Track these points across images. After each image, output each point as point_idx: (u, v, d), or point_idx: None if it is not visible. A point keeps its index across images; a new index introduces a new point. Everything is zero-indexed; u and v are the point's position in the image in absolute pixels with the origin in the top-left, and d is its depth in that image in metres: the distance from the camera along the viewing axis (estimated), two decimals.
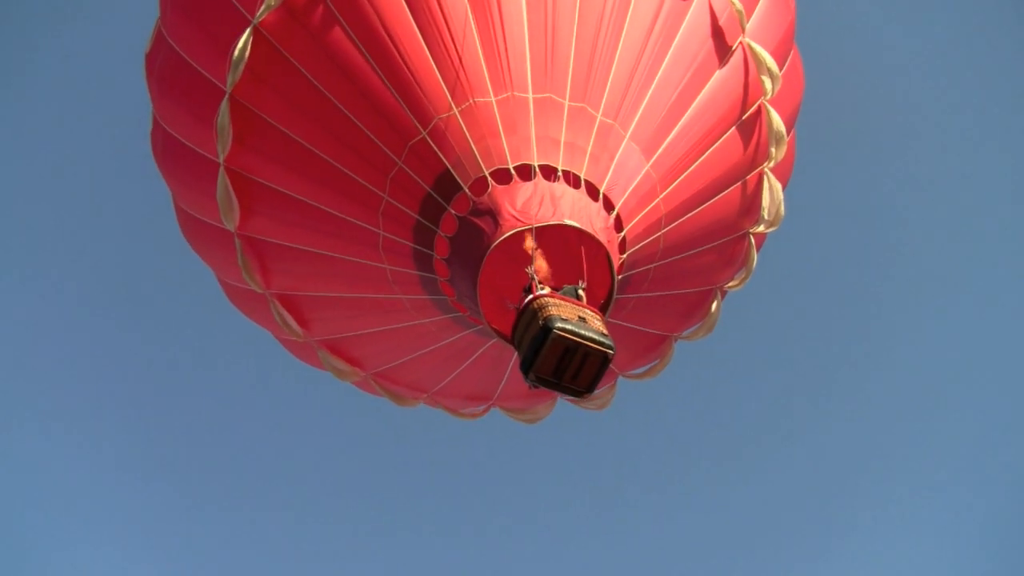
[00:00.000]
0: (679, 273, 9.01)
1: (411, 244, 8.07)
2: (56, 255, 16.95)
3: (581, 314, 7.13)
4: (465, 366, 9.34)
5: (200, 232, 9.31)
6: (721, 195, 8.82)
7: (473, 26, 7.83)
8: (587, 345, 6.93)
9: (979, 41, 15.53)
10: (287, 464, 17.00)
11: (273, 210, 8.53)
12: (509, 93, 7.84)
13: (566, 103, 7.89)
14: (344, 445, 17.12)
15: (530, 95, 7.85)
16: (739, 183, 8.92)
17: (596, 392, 9.31)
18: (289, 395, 16.71)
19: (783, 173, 9.37)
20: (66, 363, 16.68)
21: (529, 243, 7.55)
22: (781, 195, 9.17)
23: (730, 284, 9.60)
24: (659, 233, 8.41)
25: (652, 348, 9.72)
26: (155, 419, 16.82)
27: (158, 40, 8.93)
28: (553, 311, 7.00)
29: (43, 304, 16.70)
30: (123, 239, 17.27)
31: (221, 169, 8.35)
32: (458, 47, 7.82)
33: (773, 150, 8.88)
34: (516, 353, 7.51)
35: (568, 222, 7.50)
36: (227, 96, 8.09)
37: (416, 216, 7.95)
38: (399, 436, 16.62)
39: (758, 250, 9.42)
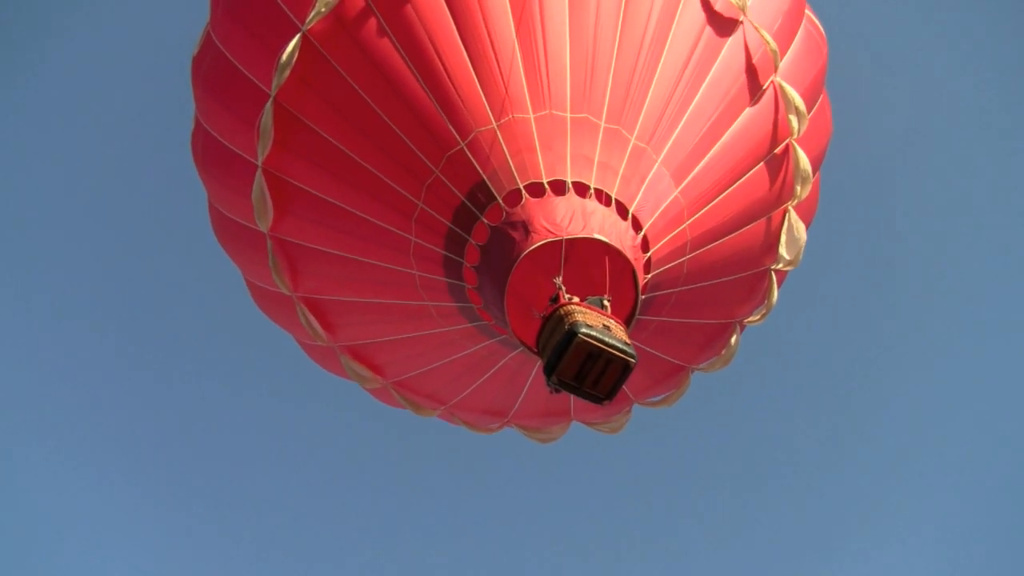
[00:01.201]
0: (700, 302, 9.15)
1: (442, 251, 8.26)
2: (67, 252, 17.14)
3: (606, 323, 7.32)
4: (485, 378, 9.46)
5: (232, 232, 9.52)
6: (745, 228, 9.00)
7: (516, 44, 8.10)
8: (610, 352, 7.11)
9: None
10: (294, 473, 17.13)
11: (307, 213, 8.74)
12: (548, 111, 8.07)
13: (602, 124, 8.12)
14: (351, 455, 17.26)
15: (568, 114, 8.08)
16: (764, 219, 9.11)
17: (612, 419, 9.43)
18: (298, 402, 16.92)
19: (807, 213, 9.56)
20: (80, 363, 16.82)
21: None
22: (803, 234, 9.35)
23: (750, 319, 9.73)
24: (683, 259, 8.58)
25: (669, 376, 9.83)
26: (180, 434, 16.99)
27: (206, 43, 9.22)
28: (579, 317, 7.20)
29: (46, 303, 16.91)
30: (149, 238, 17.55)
31: (259, 170, 8.58)
32: (501, 64, 8.08)
33: (798, 188, 9.08)
34: (539, 360, 7.63)
35: (598, 236, 7.71)
36: (271, 99, 8.34)
37: (449, 224, 8.14)
38: (406, 448, 16.82)
39: (779, 286, 9.57)
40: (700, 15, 8.47)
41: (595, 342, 7.07)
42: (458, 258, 8.19)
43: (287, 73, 8.21)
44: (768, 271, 9.43)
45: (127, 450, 16.58)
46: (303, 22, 8.23)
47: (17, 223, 16.50)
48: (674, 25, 8.37)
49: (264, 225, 8.78)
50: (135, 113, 17.34)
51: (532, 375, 9.35)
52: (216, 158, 9.20)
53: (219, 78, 8.96)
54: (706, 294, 9.11)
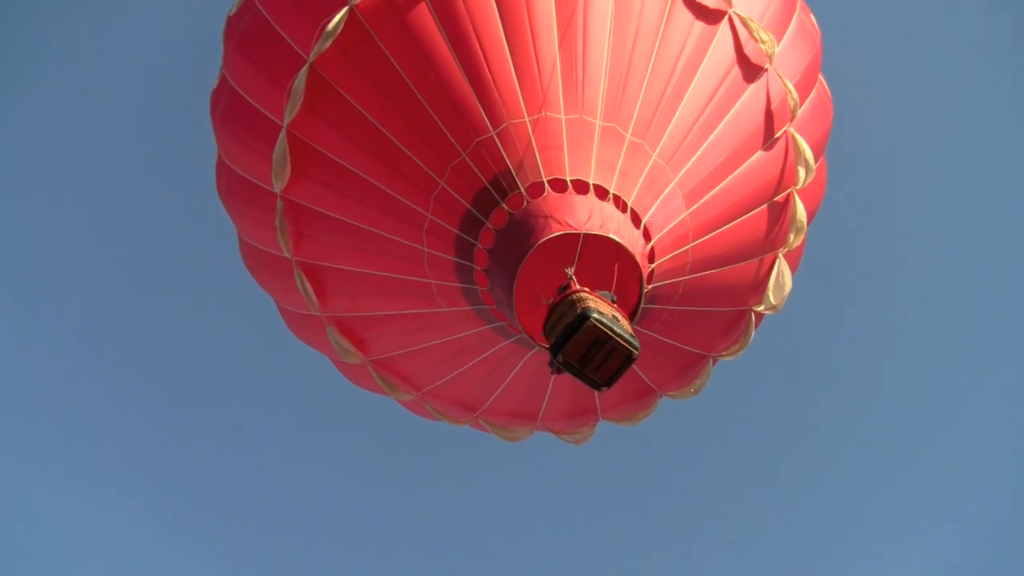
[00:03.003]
0: (687, 326, 9.49)
1: (456, 231, 8.49)
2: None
3: (615, 314, 7.61)
4: (509, 380, 9.69)
5: (240, 191, 9.66)
6: (739, 264, 9.42)
7: (557, 48, 8.46)
8: (616, 340, 7.43)
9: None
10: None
11: (324, 178, 8.93)
12: (579, 115, 8.41)
13: (628, 136, 8.48)
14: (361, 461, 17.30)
15: (598, 121, 8.43)
16: (756, 260, 9.54)
17: (623, 413, 9.97)
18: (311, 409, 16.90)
19: (793, 260, 10.02)
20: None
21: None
22: (789, 283, 9.77)
23: (724, 355, 10.06)
24: (681, 278, 8.93)
25: (640, 396, 10.11)
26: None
27: (245, 5, 9.37)
28: (591, 304, 7.53)
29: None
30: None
31: (284, 131, 8.79)
32: (541, 64, 8.44)
33: (791, 237, 9.55)
34: (537, 346, 7.87)
35: (614, 237, 8.04)
36: (308, 65, 8.61)
37: (468, 206, 8.40)
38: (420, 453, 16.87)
39: (757, 326, 9.96)
40: (731, 54, 8.94)
41: (605, 328, 7.39)
42: (471, 239, 8.42)
43: (329, 43, 8.47)
44: (749, 311, 9.83)
45: (127, 454, 16.60)
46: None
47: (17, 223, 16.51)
48: (706, 58, 8.82)
49: (279, 185, 8.93)
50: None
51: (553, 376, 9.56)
52: (239, 114, 9.35)
53: (256, 38, 9.15)
54: (694, 319, 9.44)
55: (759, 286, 9.69)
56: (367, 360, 9.83)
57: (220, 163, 9.96)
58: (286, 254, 9.28)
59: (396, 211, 8.69)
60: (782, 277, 9.70)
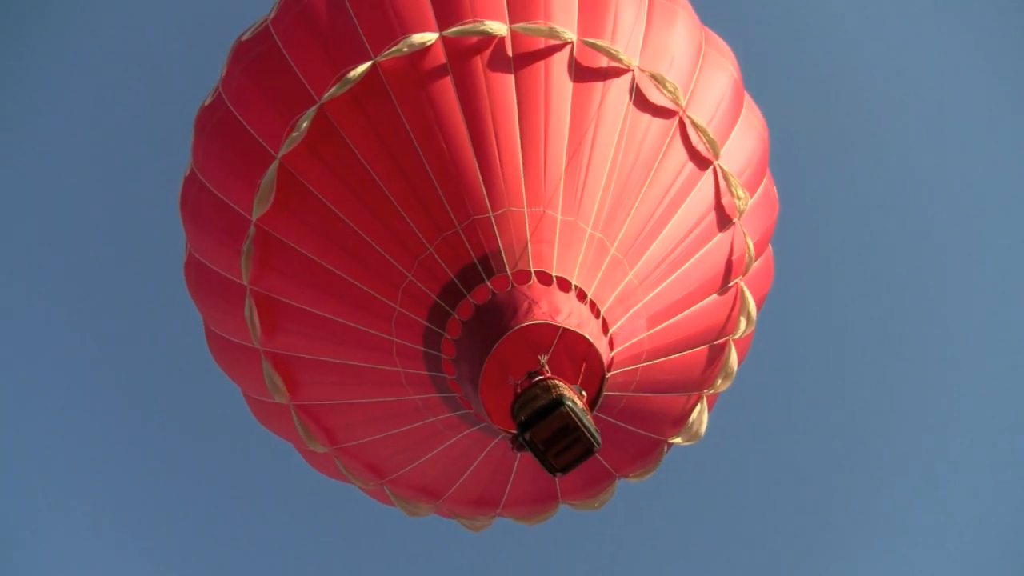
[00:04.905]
0: (609, 438, 9.77)
1: (425, 323, 8.71)
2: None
3: (584, 407, 7.84)
4: (472, 468, 9.81)
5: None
6: (671, 395, 9.93)
7: (565, 149, 8.87)
8: (583, 431, 7.75)
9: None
10: None
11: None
12: (574, 219, 8.80)
13: (612, 250, 8.93)
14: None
15: (589, 229, 8.86)
16: (685, 394, 10.09)
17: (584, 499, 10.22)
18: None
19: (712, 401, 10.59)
20: None
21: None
22: (703, 427, 10.31)
23: (676, 440, 10.30)
24: (626, 393, 9.34)
25: (597, 481, 10.28)
26: None
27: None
28: (566, 392, 7.79)
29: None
30: None
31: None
32: (547, 163, 8.84)
33: (718, 381, 10.20)
34: (516, 418, 7.93)
35: (589, 338, 8.37)
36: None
37: (452, 278, 8.59)
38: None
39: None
40: (710, 199, 9.56)
41: (575, 418, 7.70)
42: (440, 331, 8.65)
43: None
44: (664, 442, 10.27)
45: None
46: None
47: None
48: (689, 198, 9.40)
49: (247, 277, 9.19)
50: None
51: (517, 460, 9.69)
52: (208, 208, 9.54)
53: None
54: (619, 434, 9.77)
55: (679, 421, 10.20)
56: (332, 449, 9.88)
57: (189, 255, 10.04)
58: (255, 344, 9.35)
59: (363, 303, 8.87)
60: (700, 418, 10.25)
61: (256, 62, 9.31)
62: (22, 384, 16.57)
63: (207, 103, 9.71)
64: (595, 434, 7.81)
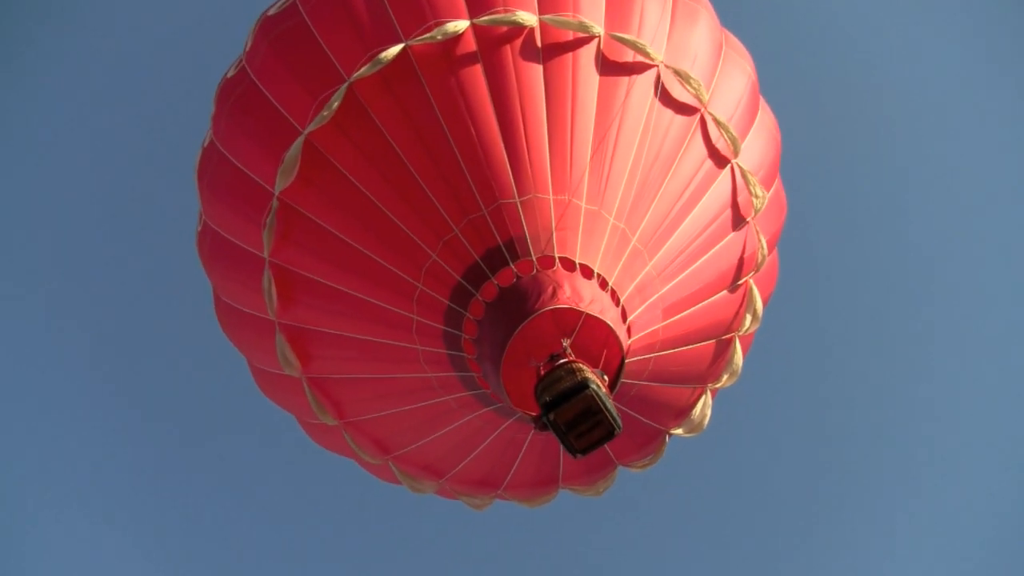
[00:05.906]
0: (651, 402, 10.01)
1: (448, 302, 8.80)
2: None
3: (606, 392, 8.06)
4: (482, 448, 9.87)
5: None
6: (679, 386, 10.14)
7: (591, 139, 9.00)
8: (605, 414, 7.91)
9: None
10: None
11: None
12: (598, 208, 8.94)
13: (633, 241, 9.10)
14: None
15: (611, 219, 9.00)
16: (690, 386, 10.30)
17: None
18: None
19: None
20: None
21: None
22: (709, 410, 10.51)
23: (677, 431, 10.49)
24: (637, 381, 9.52)
25: (600, 467, 10.44)
26: None
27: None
28: (590, 375, 7.92)
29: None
30: None
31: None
32: (574, 153, 8.96)
33: (724, 376, 10.40)
34: (540, 399, 8.01)
35: (611, 325, 8.51)
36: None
37: (476, 260, 8.72)
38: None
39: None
40: (727, 197, 9.75)
41: (599, 401, 7.85)
42: (462, 311, 8.74)
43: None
44: (665, 432, 10.47)
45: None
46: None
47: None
48: (706, 195, 9.60)
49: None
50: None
51: (527, 442, 9.81)
52: (228, 180, 9.51)
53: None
54: (656, 396, 9.96)
55: (682, 413, 10.40)
56: (341, 422, 9.87)
57: (204, 225, 10.00)
58: (271, 316, 9.33)
59: (386, 280, 8.92)
60: (704, 411, 10.46)
61: (283, 36, 9.32)
62: (22, 384, 16.42)
63: (230, 75, 9.69)
64: (617, 418, 7.97)
